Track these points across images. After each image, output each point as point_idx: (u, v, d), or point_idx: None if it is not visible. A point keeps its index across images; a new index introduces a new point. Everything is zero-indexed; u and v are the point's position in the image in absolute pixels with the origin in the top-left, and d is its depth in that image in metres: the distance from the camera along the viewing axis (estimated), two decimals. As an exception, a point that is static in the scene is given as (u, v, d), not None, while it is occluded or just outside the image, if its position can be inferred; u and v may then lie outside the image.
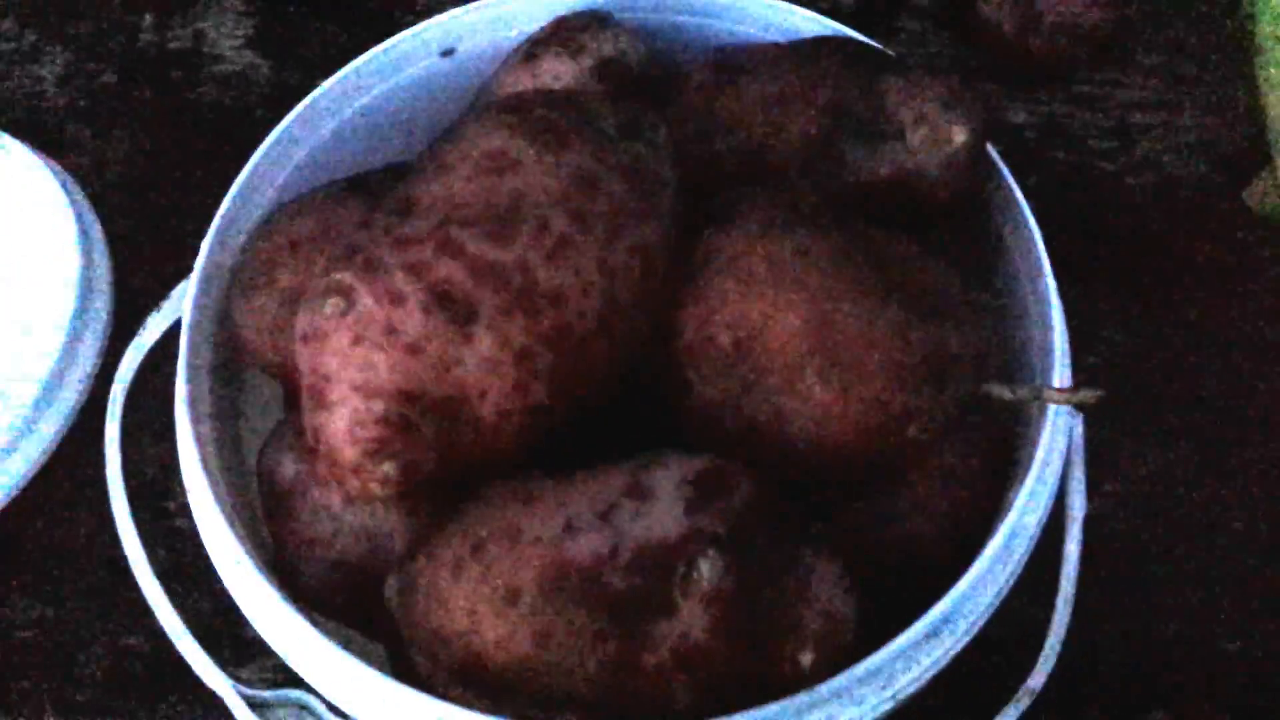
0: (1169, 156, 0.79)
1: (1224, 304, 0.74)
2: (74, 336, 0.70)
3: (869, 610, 0.48)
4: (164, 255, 0.75)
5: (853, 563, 0.48)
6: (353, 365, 0.45)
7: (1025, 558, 0.51)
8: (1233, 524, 0.67)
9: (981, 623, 0.50)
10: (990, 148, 0.58)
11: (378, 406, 0.45)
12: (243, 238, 0.58)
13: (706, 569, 0.44)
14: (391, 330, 0.45)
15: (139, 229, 0.78)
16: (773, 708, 0.46)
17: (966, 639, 0.49)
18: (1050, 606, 0.53)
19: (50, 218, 0.73)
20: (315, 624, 0.49)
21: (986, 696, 0.52)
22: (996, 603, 0.50)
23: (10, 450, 0.67)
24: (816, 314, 0.48)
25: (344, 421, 0.46)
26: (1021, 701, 0.51)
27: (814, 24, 0.62)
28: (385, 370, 0.45)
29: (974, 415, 0.53)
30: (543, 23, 0.61)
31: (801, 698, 0.46)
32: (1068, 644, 0.52)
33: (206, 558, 0.53)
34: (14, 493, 0.67)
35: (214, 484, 0.53)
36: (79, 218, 0.74)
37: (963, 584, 0.49)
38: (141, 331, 0.58)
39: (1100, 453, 0.66)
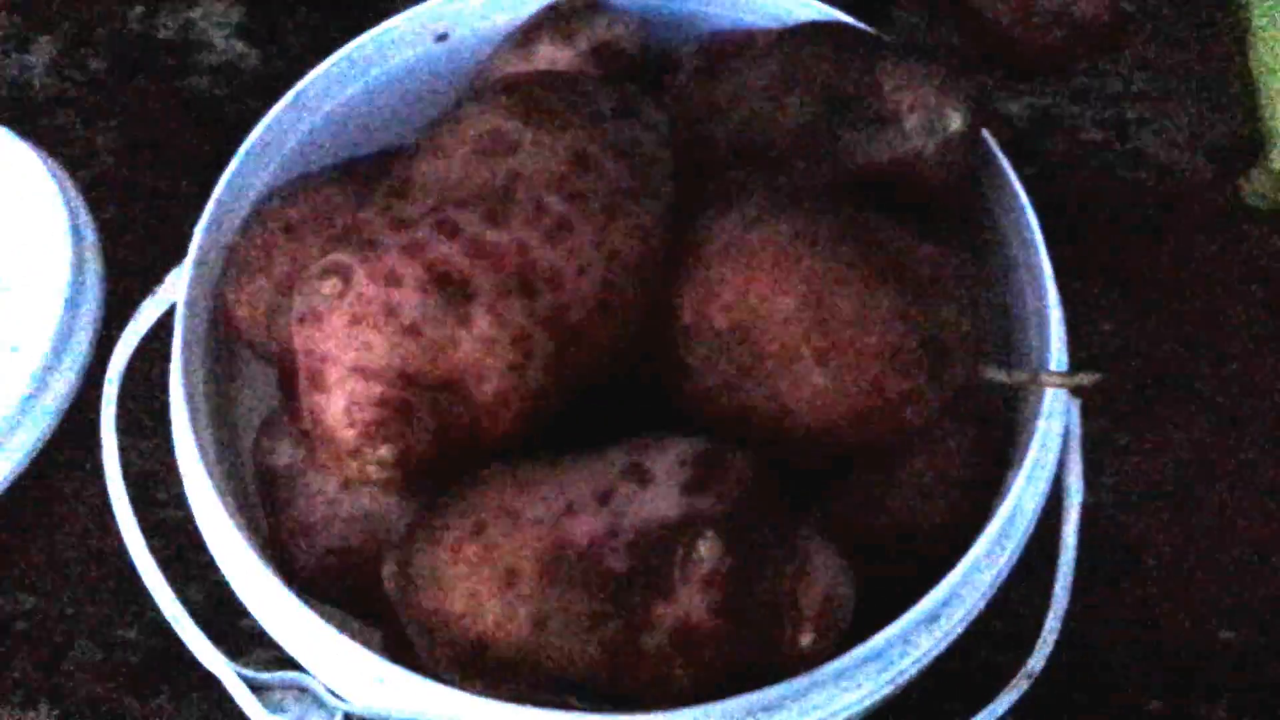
0: (1163, 149, 0.79)
1: (1218, 295, 0.74)
2: (65, 326, 0.70)
3: (867, 593, 0.48)
4: (154, 243, 0.75)
5: (850, 546, 0.48)
6: (350, 346, 0.45)
7: (1023, 541, 0.51)
8: (1229, 514, 0.68)
9: (980, 607, 0.50)
10: (987, 134, 0.58)
11: (375, 388, 0.45)
12: (236, 223, 0.58)
13: (705, 551, 0.44)
14: (389, 311, 0.45)
15: (129, 218, 0.77)
16: (772, 690, 0.46)
17: (965, 623, 0.49)
18: (1048, 594, 0.53)
19: (40, 207, 0.73)
20: (312, 608, 0.49)
21: (986, 682, 0.52)
22: (995, 587, 0.50)
23: (3, 440, 0.67)
24: (813, 297, 0.48)
25: (341, 403, 0.45)
26: (1020, 684, 0.51)
27: (809, 9, 0.62)
28: (382, 351, 0.45)
29: (971, 399, 0.53)
30: (537, 7, 0.61)
31: (801, 680, 0.46)
32: (1065, 635, 0.52)
33: (198, 548, 0.53)
34: (8, 482, 0.67)
35: (209, 470, 0.52)
36: (69, 206, 0.73)
37: (961, 567, 0.49)
38: (136, 317, 0.57)
39: (1096, 444, 0.66)
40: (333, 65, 0.62)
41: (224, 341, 0.59)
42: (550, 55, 0.59)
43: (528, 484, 0.46)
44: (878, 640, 0.47)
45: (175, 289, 0.56)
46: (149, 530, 0.65)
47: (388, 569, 0.48)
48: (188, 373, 0.54)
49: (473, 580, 0.45)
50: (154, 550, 0.64)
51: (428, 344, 0.45)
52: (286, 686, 0.48)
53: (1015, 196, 0.57)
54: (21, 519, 0.69)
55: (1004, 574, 0.50)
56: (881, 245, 0.50)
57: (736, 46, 0.59)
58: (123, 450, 0.56)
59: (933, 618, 0.49)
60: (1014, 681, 0.51)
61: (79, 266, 0.71)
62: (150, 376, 0.60)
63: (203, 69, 0.84)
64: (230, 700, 0.49)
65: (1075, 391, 0.54)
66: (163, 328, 0.57)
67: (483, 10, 0.64)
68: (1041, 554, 0.53)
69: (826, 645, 0.46)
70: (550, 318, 0.46)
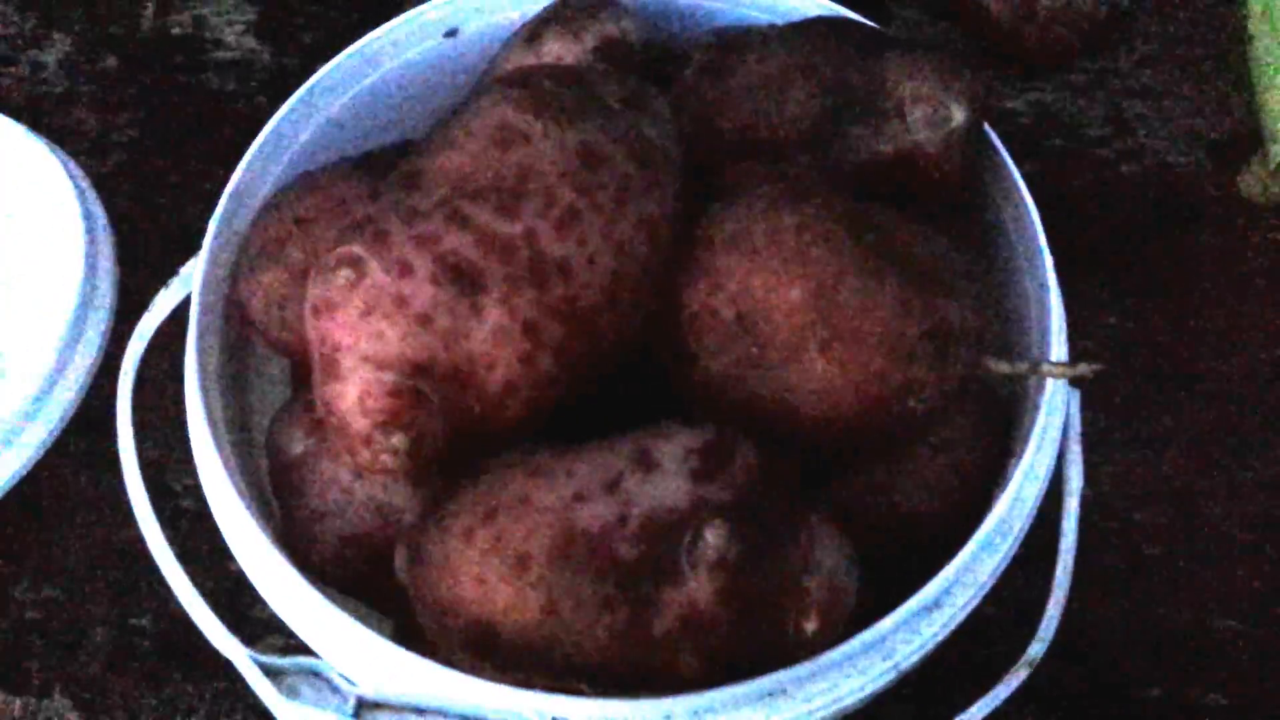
0: (1162, 144, 0.80)
1: (1217, 289, 0.75)
2: (79, 320, 0.70)
3: (870, 581, 0.48)
4: (167, 239, 0.76)
5: (854, 534, 0.48)
6: (363, 336, 0.46)
7: (1025, 530, 0.52)
8: (1228, 505, 0.68)
9: (982, 594, 0.50)
10: (989, 129, 0.59)
11: (388, 378, 0.46)
12: (249, 215, 0.59)
13: (713, 537, 0.45)
14: (401, 301, 0.45)
15: (142, 213, 0.78)
16: (778, 675, 0.46)
17: (966, 611, 0.50)
18: (1048, 583, 0.53)
19: (54, 203, 0.73)
20: (326, 595, 0.49)
21: (987, 668, 0.52)
22: (996, 574, 0.51)
23: (18, 432, 0.68)
24: (818, 288, 0.49)
25: (355, 393, 0.46)
26: (1021, 671, 0.51)
27: (814, 4, 0.62)
28: (395, 341, 0.45)
29: (973, 389, 0.53)
30: (545, 3, 0.62)
31: (805, 666, 0.47)
32: (1065, 623, 0.53)
33: (211, 538, 0.54)
34: (22, 473, 0.68)
35: (224, 459, 0.53)
36: (83, 202, 0.74)
37: (963, 555, 0.49)
38: (150, 309, 0.58)
39: (1097, 435, 0.67)
40: (344, 61, 0.63)
41: (238, 332, 0.59)
42: (558, 51, 0.59)
43: (538, 472, 0.47)
44: (880, 628, 0.48)
45: (189, 281, 0.57)
46: (165, 519, 0.66)
47: (400, 556, 0.49)
48: (202, 364, 0.55)
49: (483, 567, 0.46)
50: (168, 539, 0.64)
51: (439, 334, 0.46)
52: (301, 671, 0.48)
53: (1016, 189, 0.57)
54: (36, 510, 0.69)
55: (1004, 563, 0.51)
56: (885, 237, 0.51)
57: (742, 41, 0.59)
58: (137, 441, 0.56)
59: (934, 606, 0.49)
60: (1014, 670, 0.51)
61: (92, 260, 0.72)
62: (165, 368, 0.60)
63: (215, 65, 0.84)
64: (245, 687, 0.49)
65: (1075, 382, 0.54)
66: (177, 320, 0.57)
67: (492, 6, 0.64)
68: (1042, 543, 0.53)
69: (830, 632, 0.47)
70: (560, 308, 0.47)
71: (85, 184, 0.76)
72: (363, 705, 0.48)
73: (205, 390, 0.54)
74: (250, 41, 0.85)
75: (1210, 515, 0.68)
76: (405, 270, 0.46)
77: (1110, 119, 0.81)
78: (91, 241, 0.73)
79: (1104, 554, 0.66)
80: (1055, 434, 0.53)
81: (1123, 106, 0.81)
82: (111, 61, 0.85)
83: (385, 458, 0.47)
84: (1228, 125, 0.80)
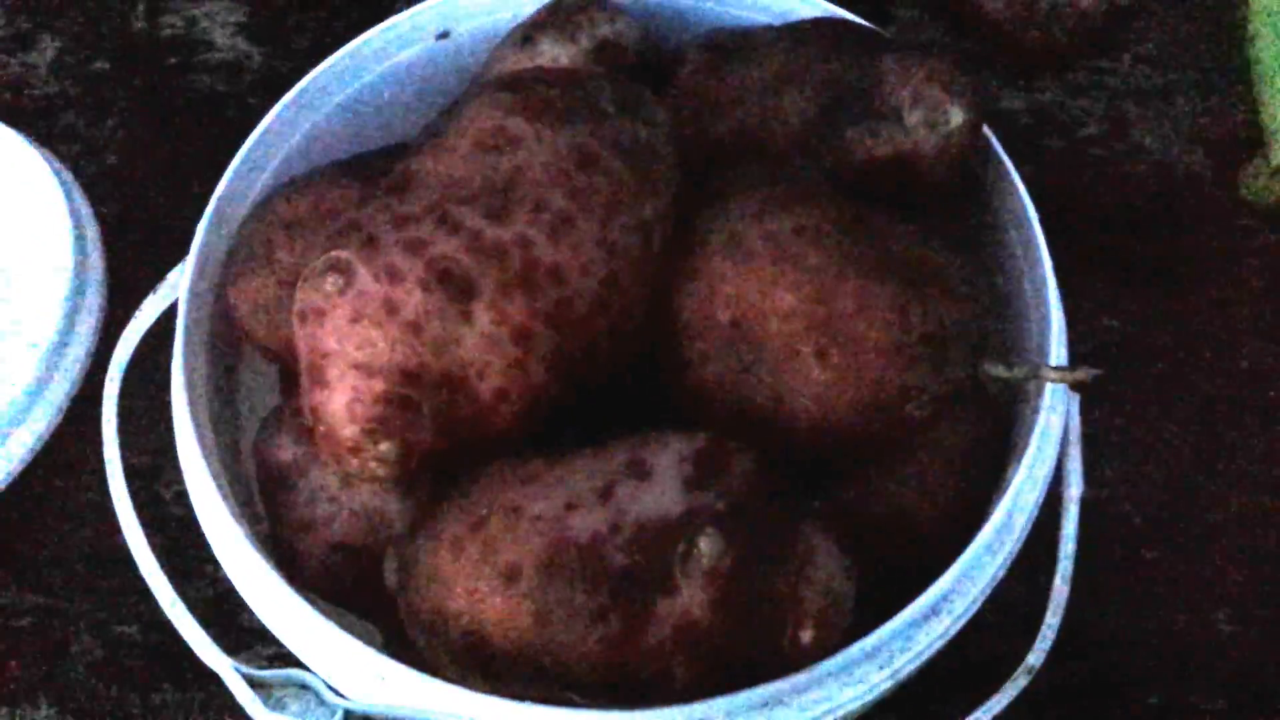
0: (1162, 144, 0.79)
1: (1217, 289, 0.75)
2: (67, 323, 0.70)
3: (867, 589, 0.48)
4: (157, 241, 0.75)
5: (851, 541, 0.48)
6: (351, 343, 0.45)
7: (1023, 536, 0.51)
8: (1228, 506, 0.68)
9: (980, 602, 0.50)
10: (987, 130, 0.58)
11: (377, 385, 0.45)
12: (238, 219, 0.58)
13: (706, 547, 0.44)
14: (390, 308, 0.45)
15: (132, 216, 0.78)
16: (773, 686, 0.46)
17: (965, 618, 0.50)
18: (1048, 587, 0.53)
19: (43, 205, 0.73)
20: (314, 606, 0.49)
21: (986, 676, 0.52)
22: (995, 581, 0.50)
23: (4, 437, 0.67)
24: (814, 292, 0.48)
25: (343, 400, 0.46)
26: (1020, 680, 0.51)
27: (811, 6, 0.62)
28: (384, 348, 0.45)
29: (972, 394, 0.53)
30: (539, 5, 0.61)
31: (801, 676, 0.46)
32: (1066, 627, 0.52)
33: (200, 545, 0.53)
34: (9, 479, 0.67)
35: (211, 466, 0.52)
36: (72, 205, 0.73)
37: (961, 562, 0.49)
38: (138, 315, 0.58)
39: (1096, 437, 0.67)
40: (334, 63, 0.62)
41: (227, 338, 0.59)
42: (552, 52, 0.59)
43: (529, 480, 0.47)
44: (878, 636, 0.47)
45: (177, 286, 0.56)
46: (153, 526, 0.65)
47: (389, 565, 0.48)
48: (190, 370, 0.54)
49: (474, 577, 0.45)
50: (157, 546, 0.64)
51: (429, 340, 0.45)
52: (287, 684, 0.48)
53: (1015, 192, 0.57)
54: (24, 515, 0.69)
55: (1004, 568, 0.50)
56: (882, 240, 0.50)
57: (738, 43, 0.59)
58: (127, 446, 0.56)
59: (933, 612, 0.49)
60: (1014, 677, 0.51)
61: (82, 264, 0.72)
62: (156, 372, 0.60)
63: (206, 67, 0.84)
64: (233, 697, 0.49)
65: (1075, 386, 0.54)
66: (169, 324, 0.57)
67: (484, 8, 0.64)
68: (1042, 545, 0.53)
69: (827, 641, 0.46)
70: (552, 314, 0.46)
71: (75, 187, 0.76)
72: (350, 718, 0.47)
73: (193, 397, 0.54)
74: (242, 43, 0.85)
75: (1210, 517, 0.68)
76: (394, 276, 0.45)
77: (1110, 119, 0.80)
78: (81, 244, 0.72)
79: (1103, 556, 0.65)
80: (1054, 439, 0.53)
81: (1122, 107, 0.81)
82: (102, 64, 0.84)
83: (373, 466, 0.46)
84: (1228, 125, 0.80)
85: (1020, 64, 0.82)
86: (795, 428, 0.49)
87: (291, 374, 0.53)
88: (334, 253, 0.46)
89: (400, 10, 0.64)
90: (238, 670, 0.48)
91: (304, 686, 0.47)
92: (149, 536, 0.54)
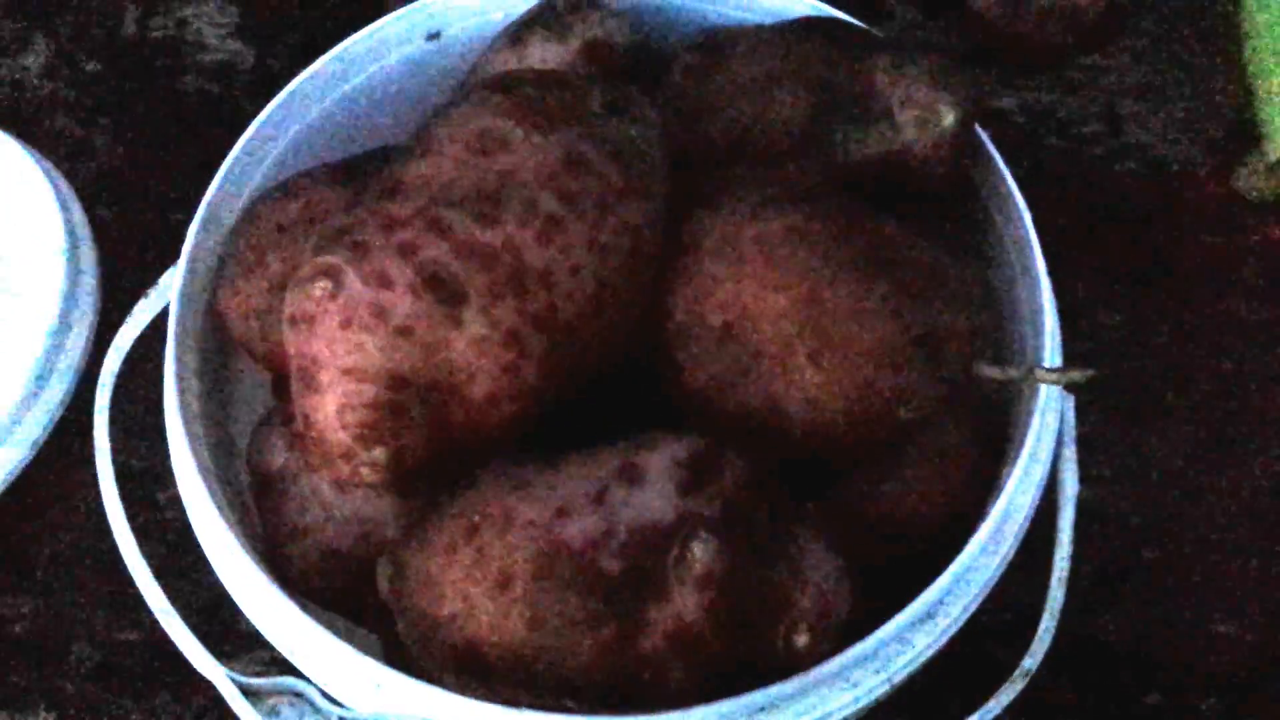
0: (1158, 141, 0.79)
1: (1213, 288, 0.74)
2: (61, 327, 0.70)
3: (863, 592, 0.48)
4: (150, 244, 0.75)
5: (846, 544, 0.48)
6: (341, 348, 0.45)
7: (1019, 538, 0.51)
8: (1226, 507, 0.67)
9: (976, 604, 0.50)
10: (980, 130, 0.58)
11: (367, 390, 0.45)
12: (229, 223, 0.58)
13: (700, 551, 0.44)
14: (380, 312, 0.45)
15: (124, 219, 0.77)
16: (768, 690, 0.46)
17: (961, 621, 0.49)
18: (1044, 593, 0.53)
19: (36, 208, 0.73)
20: (308, 612, 0.49)
21: (982, 678, 0.51)
22: (991, 584, 0.50)
23: (-1, 443, 0.67)
24: (806, 295, 0.48)
25: (333, 405, 0.45)
26: (1017, 682, 0.50)
27: (803, 5, 0.61)
28: (374, 353, 0.45)
29: (966, 396, 0.53)
30: (529, 5, 0.61)
31: (796, 681, 0.46)
32: (1063, 628, 0.52)
33: (197, 550, 0.53)
34: (5, 484, 0.67)
35: (204, 472, 0.52)
36: (64, 208, 0.73)
37: (957, 565, 0.49)
38: (129, 320, 0.57)
39: (1092, 437, 0.66)
40: (324, 65, 0.62)
41: (219, 343, 0.58)
42: (543, 53, 0.59)
43: (521, 485, 0.46)
44: (873, 639, 0.47)
45: (168, 291, 0.56)
46: (149, 531, 0.65)
47: (382, 572, 0.48)
48: (181, 375, 0.54)
49: (466, 583, 0.45)
50: (154, 551, 0.64)
51: (419, 345, 0.45)
52: (281, 691, 0.47)
53: (1009, 192, 0.57)
54: (19, 521, 0.68)
55: (999, 571, 0.50)
56: (875, 242, 0.50)
57: (729, 42, 0.58)
58: (124, 451, 0.56)
59: (928, 615, 0.49)
60: (1010, 680, 0.51)
61: (74, 268, 0.71)
62: (152, 376, 0.59)
63: (198, 69, 0.84)
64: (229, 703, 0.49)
65: (1069, 387, 0.54)
66: (163, 326, 0.56)
67: (474, 8, 0.64)
68: (1040, 546, 0.53)
69: (822, 646, 0.46)
70: (543, 318, 0.46)
71: (67, 190, 0.76)
72: (344, 726, 0.47)
73: (185, 401, 0.54)
74: (234, 44, 0.84)
75: (1209, 518, 0.67)
76: (384, 281, 0.45)
77: (1105, 117, 0.80)
78: (73, 248, 0.72)
79: (1102, 556, 0.65)
80: (1049, 440, 0.53)
81: (1118, 104, 0.80)
82: (94, 66, 0.84)
83: (365, 471, 0.46)
84: (1223, 122, 0.79)
85: (1015, 62, 0.81)
86: (788, 430, 0.49)
87: (283, 379, 0.53)
88: (323, 258, 0.46)
89: (391, 10, 0.64)
90: (231, 678, 0.48)
91: (298, 694, 0.47)
92: (146, 541, 0.54)
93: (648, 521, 0.45)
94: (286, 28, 0.85)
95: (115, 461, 0.56)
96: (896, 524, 0.53)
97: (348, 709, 0.47)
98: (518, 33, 0.60)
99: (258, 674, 0.49)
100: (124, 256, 0.75)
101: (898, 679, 0.48)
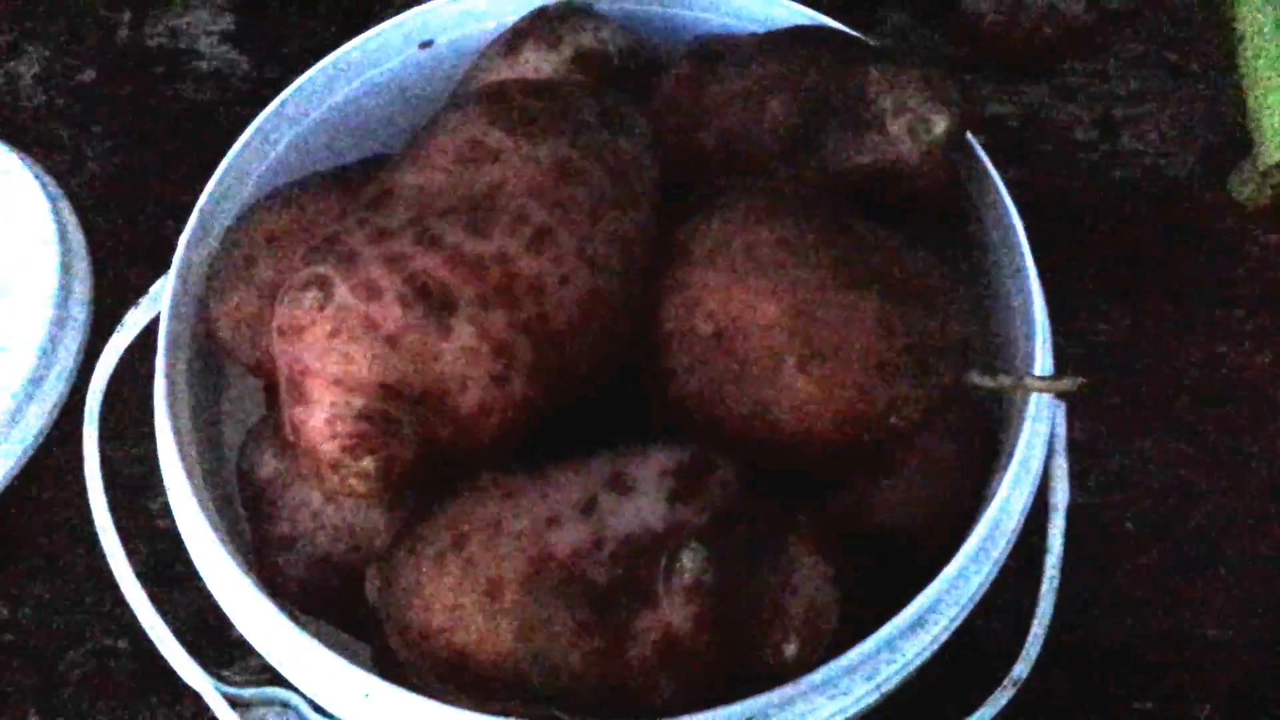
0: (1152, 147, 0.79)
1: (1207, 293, 0.74)
2: (53, 336, 0.70)
3: (853, 600, 0.48)
4: (143, 252, 0.75)
5: (836, 553, 0.48)
6: (331, 358, 0.45)
7: (1009, 547, 0.51)
8: (1218, 513, 0.67)
9: (966, 613, 0.50)
10: (972, 138, 0.58)
11: (357, 401, 0.45)
12: (221, 232, 0.58)
13: (689, 561, 0.44)
14: (370, 323, 0.45)
15: (118, 227, 0.77)
16: (757, 700, 0.46)
17: (951, 629, 0.49)
18: (1034, 600, 0.52)
19: (28, 216, 0.73)
20: (298, 622, 0.49)
21: (972, 687, 0.51)
22: (981, 592, 0.50)
23: (-8, 449, 0.67)
24: (797, 303, 0.48)
25: (323, 416, 0.45)
26: (1007, 690, 0.50)
27: (794, 14, 0.61)
28: (364, 363, 0.45)
29: (956, 404, 0.53)
30: (522, 14, 0.61)
31: (786, 689, 0.46)
32: (1055, 634, 0.52)
33: (189, 557, 0.53)
34: (-3, 491, 0.67)
35: (194, 481, 0.52)
36: (57, 216, 0.73)
37: (947, 573, 0.49)
38: (120, 329, 0.57)
39: (1085, 443, 0.66)
40: (318, 73, 0.62)
41: (210, 352, 0.58)
42: (535, 61, 0.59)
43: (511, 495, 0.46)
44: (863, 648, 0.47)
45: (159, 300, 0.56)
46: (143, 538, 0.65)
47: (371, 582, 0.48)
48: (171, 384, 0.54)
49: (456, 593, 0.45)
50: (146, 559, 0.64)
51: (409, 355, 0.45)
52: (268, 701, 0.48)
53: (1000, 200, 0.57)
54: (11, 529, 0.68)
55: (990, 579, 0.50)
56: (865, 250, 0.50)
57: (721, 51, 0.58)
58: (118, 458, 0.55)
59: (919, 623, 0.49)
60: (1000, 689, 0.51)
61: (67, 275, 0.72)
62: (144, 383, 0.59)
63: (192, 76, 0.84)
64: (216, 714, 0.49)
65: (1060, 395, 0.53)
66: (156, 334, 0.56)
67: (468, 17, 0.64)
68: (1033, 551, 0.53)
69: (811, 655, 0.46)
70: (533, 328, 0.46)
71: (60, 197, 0.76)
72: (332, 736, 0.47)
73: (175, 410, 0.54)
74: (228, 52, 0.84)
75: (1203, 522, 0.67)
76: (373, 291, 0.45)
77: (1099, 123, 0.80)
78: (67, 255, 0.72)
79: (1095, 563, 0.65)
80: (1040, 449, 0.52)
81: (1112, 110, 0.80)
82: (88, 74, 0.84)
83: (354, 481, 0.46)
84: (1217, 128, 0.79)
85: (1009, 68, 0.81)
86: (778, 439, 0.49)
87: (275, 388, 0.53)
88: (312, 268, 0.45)
89: (386, 18, 0.64)
90: (218, 689, 0.47)
91: (285, 705, 0.47)
92: (138, 547, 0.54)
93: (637, 531, 0.45)
94: (281, 36, 0.85)
95: (107, 468, 0.56)
96: (887, 532, 0.53)
97: (336, 718, 0.47)
98: (510, 41, 0.60)
99: (250, 682, 0.49)
100: (117, 264, 0.75)
101: (888, 687, 0.48)
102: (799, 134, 0.55)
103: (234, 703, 0.47)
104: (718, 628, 0.44)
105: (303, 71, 0.62)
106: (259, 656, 0.50)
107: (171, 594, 0.62)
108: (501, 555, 0.45)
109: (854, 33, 0.60)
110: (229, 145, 0.60)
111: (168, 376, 0.54)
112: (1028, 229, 0.56)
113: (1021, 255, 0.55)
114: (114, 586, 0.53)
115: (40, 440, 0.69)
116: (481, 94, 0.50)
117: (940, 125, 0.54)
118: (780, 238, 0.49)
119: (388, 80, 0.64)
